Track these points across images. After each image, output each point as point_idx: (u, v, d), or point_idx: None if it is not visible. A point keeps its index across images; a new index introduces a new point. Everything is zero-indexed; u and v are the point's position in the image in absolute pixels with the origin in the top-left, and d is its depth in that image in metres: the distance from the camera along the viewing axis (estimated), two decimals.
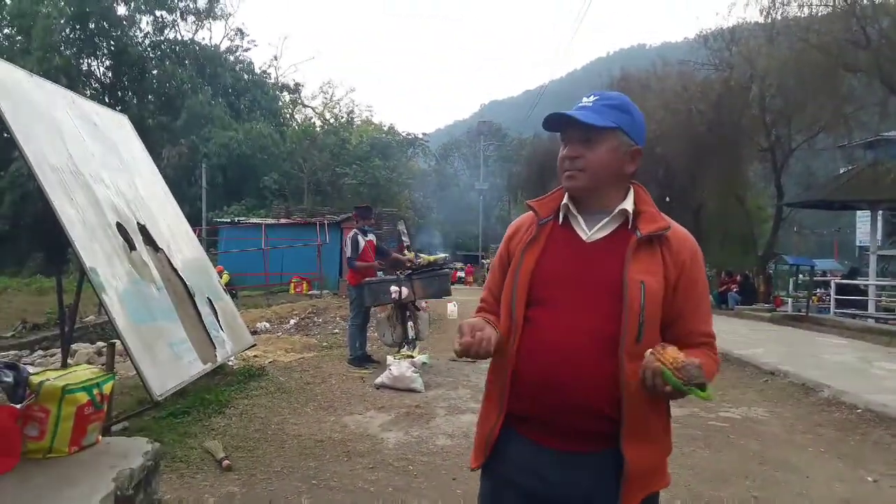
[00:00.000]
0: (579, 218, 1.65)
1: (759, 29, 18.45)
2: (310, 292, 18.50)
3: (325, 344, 9.53)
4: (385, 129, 39.49)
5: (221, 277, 16.71)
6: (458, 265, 36.89)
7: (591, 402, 1.51)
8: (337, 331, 10.86)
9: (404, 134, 40.29)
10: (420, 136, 41.80)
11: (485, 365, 1.76)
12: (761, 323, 13.99)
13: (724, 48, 21.65)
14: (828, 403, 6.23)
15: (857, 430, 5.38)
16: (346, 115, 39.48)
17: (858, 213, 22.53)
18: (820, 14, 15.43)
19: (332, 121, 39.36)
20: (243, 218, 25.44)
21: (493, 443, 1.64)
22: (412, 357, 6.86)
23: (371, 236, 8.05)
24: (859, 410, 5.86)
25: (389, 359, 6.87)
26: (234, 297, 12.00)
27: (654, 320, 1.54)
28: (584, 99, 1.65)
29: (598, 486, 1.54)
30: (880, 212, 18.98)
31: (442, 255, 9.71)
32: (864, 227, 22.64)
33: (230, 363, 6.63)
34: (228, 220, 25.26)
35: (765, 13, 16.59)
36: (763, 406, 6.28)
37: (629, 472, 1.51)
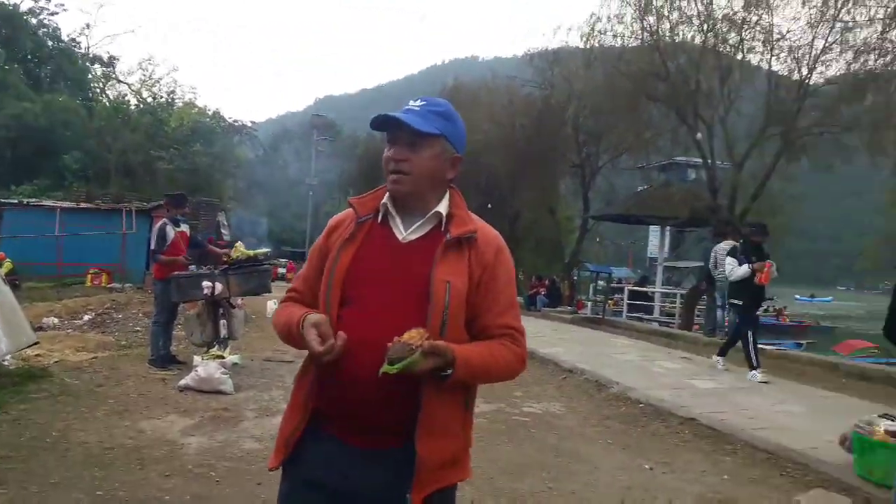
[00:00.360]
0: (397, 218, 1.68)
1: (579, 53, 19.82)
2: (110, 285, 16.91)
3: (123, 342, 8.81)
4: (210, 113, 37.19)
5: (2, 266, 14.79)
6: (283, 261, 35.80)
7: (392, 398, 1.54)
8: (139, 328, 10.04)
9: (231, 120, 38.25)
10: (248, 123, 40.00)
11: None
12: (564, 324, 15.04)
13: (548, 68, 23.04)
14: (616, 399, 6.83)
15: (639, 422, 5.95)
16: (166, 96, 36.54)
17: (651, 227, 25.12)
18: (630, 46, 16.96)
19: (149, 100, 36.32)
20: (34, 199, 22.63)
21: (294, 442, 1.64)
22: (222, 357, 6.54)
23: (184, 227, 7.56)
24: (641, 405, 6.50)
25: (196, 359, 6.50)
26: (16, 288, 10.69)
27: (458, 318, 1.59)
28: (412, 102, 1.68)
29: (396, 481, 1.57)
30: (668, 227, 21.40)
31: (264, 249, 9.33)
32: (655, 241, 25.25)
33: (6, 363, 5.88)
34: (16, 202, 22.34)
35: (585, 39, 17.92)
36: (561, 401, 6.75)
37: (421, 465, 1.55)
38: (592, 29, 17.33)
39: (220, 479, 3.96)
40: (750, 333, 7.96)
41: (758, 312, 8.38)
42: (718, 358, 8.46)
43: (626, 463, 4.76)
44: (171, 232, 7.28)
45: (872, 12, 12.63)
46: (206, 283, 6.95)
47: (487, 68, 29.98)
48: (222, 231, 23.75)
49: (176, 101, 36.19)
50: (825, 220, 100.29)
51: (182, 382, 6.19)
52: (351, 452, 1.60)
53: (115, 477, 3.85)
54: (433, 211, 1.67)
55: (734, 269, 7.97)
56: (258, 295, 8.24)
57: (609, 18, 16.87)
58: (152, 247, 7.37)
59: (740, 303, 8.13)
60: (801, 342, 22.84)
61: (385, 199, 1.69)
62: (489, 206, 24.49)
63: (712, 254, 11.01)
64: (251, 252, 7.76)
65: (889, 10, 12.13)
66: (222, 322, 7.24)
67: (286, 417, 1.71)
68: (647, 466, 4.68)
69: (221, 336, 7.20)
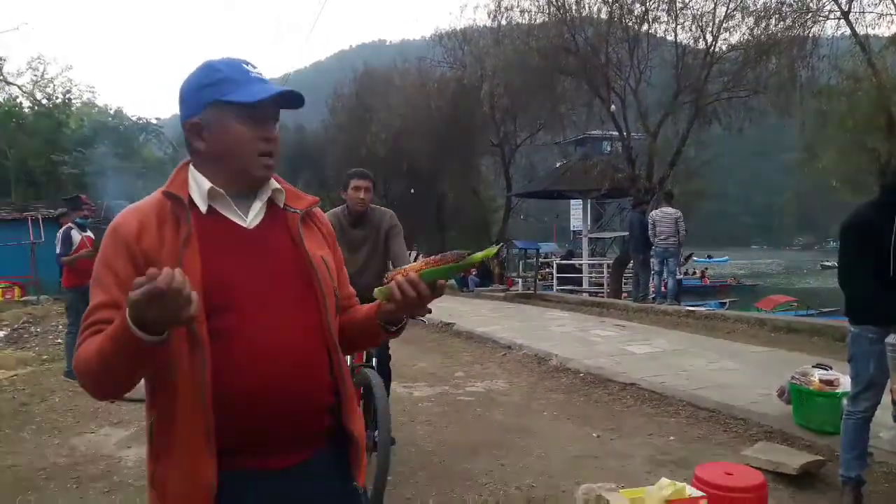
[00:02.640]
0: (232, 204, 1.42)
1: (487, 31, 19.88)
2: (24, 298, 15.96)
3: (45, 357, 8.40)
4: (111, 112, 35.33)
5: None
6: None
7: (319, 394, 1.41)
8: (60, 341, 9.54)
9: (135, 118, 36.36)
10: (153, 120, 38.11)
11: None
12: (498, 302, 15.16)
13: (457, 47, 23.02)
14: (556, 370, 6.97)
15: (581, 392, 6.09)
16: (62, 96, 34.31)
17: (572, 201, 25.66)
18: (538, 21, 17.08)
19: (44, 101, 34.05)
20: None
21: (215, 497, 1.32)
22: None
23: (90, 232, 7.27)
24: (581, 374, 6.65)
25: None
26: None
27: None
28: (252, 68, 1.42)
29: (334, 481, 1.47)
30: (589, 200, 21.94)
31: None
32: (577, 214, 25.79)
33: None
34: None
35: (492, 16, 17.95)
36: (503, 378, 6.82)
37: (356, 446, 1.49)
38: (499, 6, 17.34)
39: None
40: None
41: None
42: None
43: (574, 433, 4.86)
44: (76, 236, 7.08)
45: None
46: None
47: (397, 52, 29.67)
48: None
49: (73, 101, 34.18)
50: (734, 181, 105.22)
51: None
52: (283, 480, 1.37)
53: (51, 499, 3.67)
54: (273, 189, 1.47)
55: None
56: None
57: None
58: (58, 251, 7.10)
59: None
60: (725, 301, 24.03)
61: (210, 185, 1.40)
62: (412, 191, 24.40)
63: (650, 219, 11.25)
64: None
65: None
66: None
67: (185, 472, 1.33)
68: (594, 434, 4.78)
69: None
